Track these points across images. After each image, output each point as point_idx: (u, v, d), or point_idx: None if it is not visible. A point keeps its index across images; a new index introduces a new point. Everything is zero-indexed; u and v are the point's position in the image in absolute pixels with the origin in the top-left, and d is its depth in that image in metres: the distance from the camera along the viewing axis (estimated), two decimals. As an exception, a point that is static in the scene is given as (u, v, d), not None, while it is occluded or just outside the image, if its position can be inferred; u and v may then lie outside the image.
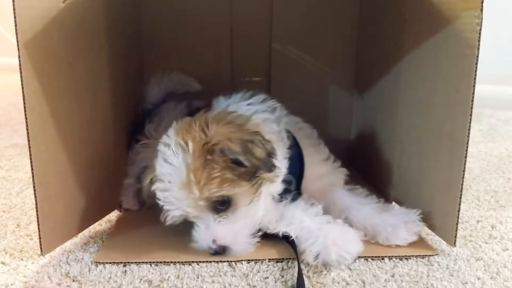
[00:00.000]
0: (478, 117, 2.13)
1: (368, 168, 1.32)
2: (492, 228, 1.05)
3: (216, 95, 1.41)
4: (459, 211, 0.88)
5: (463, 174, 0.86)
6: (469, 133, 0.85)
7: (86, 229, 1.00)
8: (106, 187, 1.07)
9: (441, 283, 0.82)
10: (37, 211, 0.83)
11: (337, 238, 0.87)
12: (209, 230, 0.87)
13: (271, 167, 0.88)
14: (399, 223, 0.94)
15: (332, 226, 0.90)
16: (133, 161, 1.19)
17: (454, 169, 0.88)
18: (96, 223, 1.04)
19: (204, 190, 0.83)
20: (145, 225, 1.03)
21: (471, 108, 0.84)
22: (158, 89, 1.37)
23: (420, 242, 0.96)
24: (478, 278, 0.84)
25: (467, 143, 0.85)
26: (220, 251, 0.87)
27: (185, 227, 0.98)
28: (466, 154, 0.86)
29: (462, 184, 0.87)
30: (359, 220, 0.97)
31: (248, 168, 0.85)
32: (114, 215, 1.11)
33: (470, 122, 0.85)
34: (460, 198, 0.87)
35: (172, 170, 0.85)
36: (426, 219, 0.99)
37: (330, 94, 1.48)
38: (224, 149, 0.84)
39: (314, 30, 1.40)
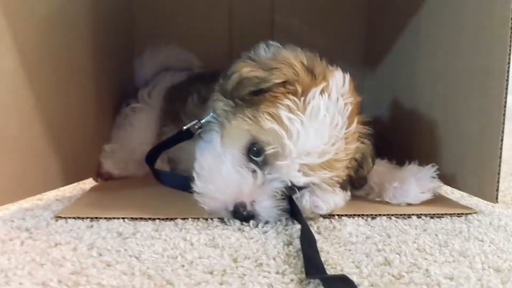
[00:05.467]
0: None
1: (385, 145, 1.17)
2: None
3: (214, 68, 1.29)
4: (501, 157, 0.72)
5: (504, 111, 0.72)
6: (510, 60, 0.71)
7: (54, 193, 0.85)
8: (83, 152, 0.92)
9: (487, 236, 0.65)
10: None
11: (316, 189, 0.71)
12: (258, 189, 0.67)
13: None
14: (409, 179, 0.78)
15: None
16: (120, 124, 1.05)
17: (491, 108, 0.74)
18: (68, 190, 0.88)
19: (332, 176, 0.69)
20: (123, 191, 0.88)
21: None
22: (154, 63, 1.24)
23: (451, 202, 0.80)
24: (532, 234, 0.67)
25: (508, 74, 0.71)
26: (248, 216, 0.68)
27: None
28: (507, 87, 0.71)
29: (503, 124, 0.72)
30: None
31: (349, 178, 0.76)
32: (90, 185, 0.95)
33: (511, 48, 0.71)
34: (502, 140, 0.72)
35: (330, 121, 0.66)
36: (455, 181, 0.83)
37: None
38: (369, 149, 0.76)
39: (320, 2, 1.30)
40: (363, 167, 0.76)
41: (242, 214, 0.67)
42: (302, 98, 0.67)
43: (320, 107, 0.66)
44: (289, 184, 0.68)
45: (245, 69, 0.69)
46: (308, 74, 0.69)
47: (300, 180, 0.67)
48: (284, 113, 0.65)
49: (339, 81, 0.71)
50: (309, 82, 0.68)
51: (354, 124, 0.71)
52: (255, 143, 0.68)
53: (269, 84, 0.67)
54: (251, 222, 0.69)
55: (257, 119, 0.67)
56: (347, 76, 0.74)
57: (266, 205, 0.68)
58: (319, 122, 0.65)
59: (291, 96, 0.67)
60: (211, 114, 0.77)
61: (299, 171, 0.66)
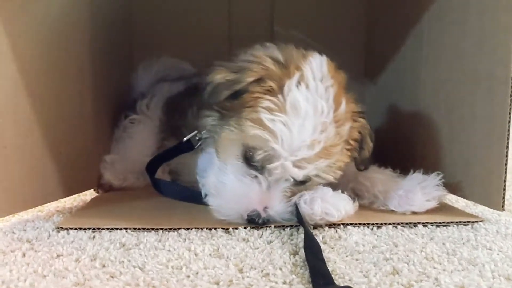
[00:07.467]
0: None
1: (388, 154, 1.17)
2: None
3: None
4: (506, 164, 0.72)
5: (510, 118, 0.71)
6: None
7: (55, 204, 0.84)
8: (82, 163, 0.91)
9: (495, 244, 0.64)
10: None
11: (327, 194, 0.71)
12: (267, 194, 0.69)
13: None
14: (414, 187, 0.78)
15: (327, 188, 0.73)
16: (119, 137, 1.05)
17: (496, 114, 0.73)
18: (69, 201, 0.87)
19: (330, 164, 0.69)
20: (124, 202, 0.87)
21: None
22: (148, 77, 1.24)
23: (457, 211, 0.80)
24: (541, 242, 0.66)
25: (512, 80, 0.71)
26: (264, 221, 0.69)
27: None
28: (511, 93, 0.71)
29: (509, 130, 0.72)
30: (368, 188, 0.82)
31: (356, 157, 0.76)
32: (90, 196, 0.94)
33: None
34: (507, 147, 0.72)
35: (313, 111, 0.66)
36: (460, 189, 0.83)
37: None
38: (365, 128, 0.75)
39: (319, 13, 1.30)
40: (363, 147, 0.76)
41: (257, 222, 0.68)
42: (280, 95, 0.67)
43: (298, 99, 0.66)
44: (292, 180, 0.69)
45: (217, 76, 0.71)
46: (278, 67, 0.69)
47: (299, 174, 0.67)
48: (264, 116, 0.66)
49: (315, 66, 0.70)
50: (281, 75, 0.68)
51: (343, 105, 0.69)
52: (247, 150, 0.69)
53: (243, 84, 0.68)
54: (256, 232, 0.68)
55: (242, 128, 0.68)
56: (324, 58, 0.73)
57: (279, 209, 0.69)
58: (301, 116, 0.65)
59: (268, 96, 0.67)
60: (203, 132, 0.78)
61: (296, 166, 0.66)
